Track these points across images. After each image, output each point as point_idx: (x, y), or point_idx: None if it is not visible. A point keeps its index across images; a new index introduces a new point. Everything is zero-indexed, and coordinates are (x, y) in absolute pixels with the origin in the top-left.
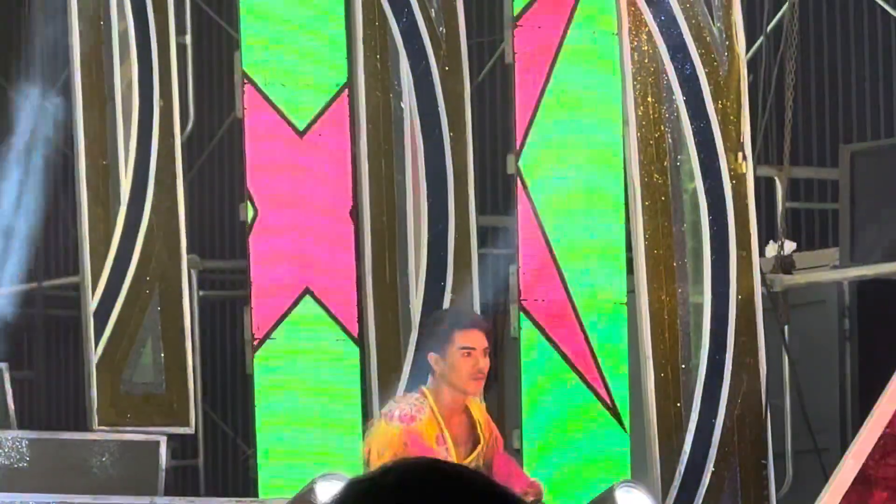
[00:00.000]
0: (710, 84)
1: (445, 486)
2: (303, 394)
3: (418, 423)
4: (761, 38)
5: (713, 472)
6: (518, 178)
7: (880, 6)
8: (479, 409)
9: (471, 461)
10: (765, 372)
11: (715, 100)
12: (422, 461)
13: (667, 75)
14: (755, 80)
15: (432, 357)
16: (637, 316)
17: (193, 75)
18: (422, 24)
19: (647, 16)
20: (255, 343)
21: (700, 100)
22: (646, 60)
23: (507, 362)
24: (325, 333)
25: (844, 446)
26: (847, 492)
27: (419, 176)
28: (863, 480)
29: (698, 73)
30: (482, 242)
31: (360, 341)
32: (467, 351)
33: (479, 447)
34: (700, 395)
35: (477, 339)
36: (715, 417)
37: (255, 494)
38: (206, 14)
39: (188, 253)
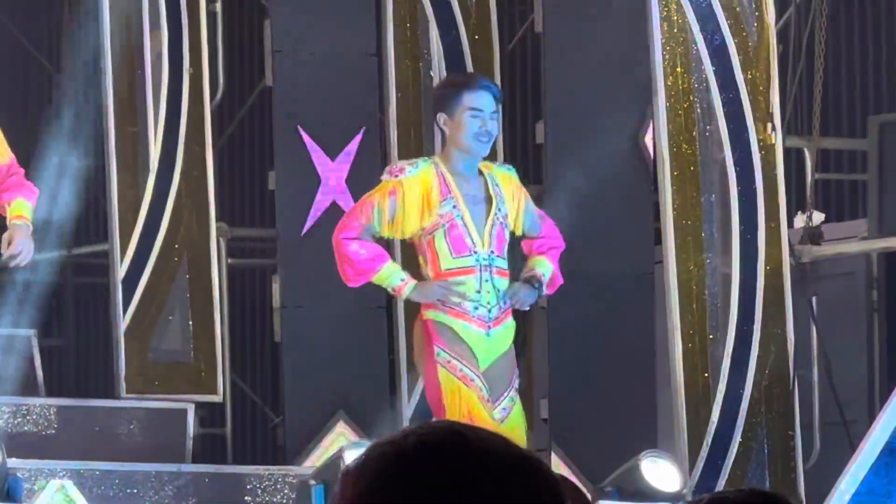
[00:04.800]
0: (739, 54)
1: (464, 448)
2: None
3: (409, 176)
4: (791, 8)
5: (740, 443)
6: (547, 148)
7: None
8: (503, 173)
9: (490, 219)
10: (792, 343)
11: (744, 70)
12: (441, 424)
13: (696, 45)
14: (784, 51)
15: (441, 117)
16: (665, 286)
17: (223, 43)
18: None
19: None
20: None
21: (729, 70)
22: (675, 30)
23: (536, 332)
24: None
25: (872, 417)
26: (874, 463)
27: None
28: (890, 452)
29: (728, 43)
30: None
31: (388, 309)
32: (475, 112)
33: (500, 204)
34: (728, 365)
35: (486, 102)
36: (742, 388)
37: (283, 462)
38: None
39: (217, 221)
